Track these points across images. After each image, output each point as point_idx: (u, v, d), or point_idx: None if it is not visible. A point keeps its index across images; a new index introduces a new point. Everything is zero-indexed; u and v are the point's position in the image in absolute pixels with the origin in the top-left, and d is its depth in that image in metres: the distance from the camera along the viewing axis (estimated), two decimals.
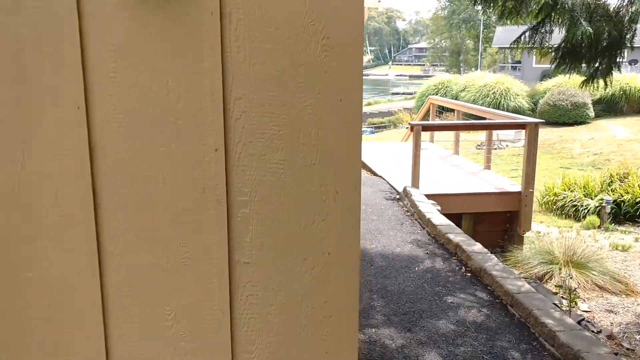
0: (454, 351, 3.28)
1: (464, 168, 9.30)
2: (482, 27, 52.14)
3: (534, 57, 40.24)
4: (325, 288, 2.03)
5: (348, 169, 1.99)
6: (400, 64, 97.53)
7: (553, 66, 5.26)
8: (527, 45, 5.10)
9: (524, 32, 5.20)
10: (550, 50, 5.22)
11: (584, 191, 12.05)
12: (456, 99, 29.84)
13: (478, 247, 4.92)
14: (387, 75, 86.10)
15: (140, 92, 1.65)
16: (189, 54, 1.71)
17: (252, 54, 1.89)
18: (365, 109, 44.42)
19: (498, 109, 27.26)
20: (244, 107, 1.92)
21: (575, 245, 7.44)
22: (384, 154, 10.75)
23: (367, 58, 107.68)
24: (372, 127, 36.24)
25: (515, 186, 8.05)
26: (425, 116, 12.51)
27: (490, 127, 9.20)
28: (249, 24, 1.80)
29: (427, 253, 5.11)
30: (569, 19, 4.77)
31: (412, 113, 35.36)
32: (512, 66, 43.75)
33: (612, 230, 10.46)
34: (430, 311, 3.83)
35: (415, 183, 7.58)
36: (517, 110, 27.57)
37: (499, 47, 44.04)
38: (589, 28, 4.58)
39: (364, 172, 9.33)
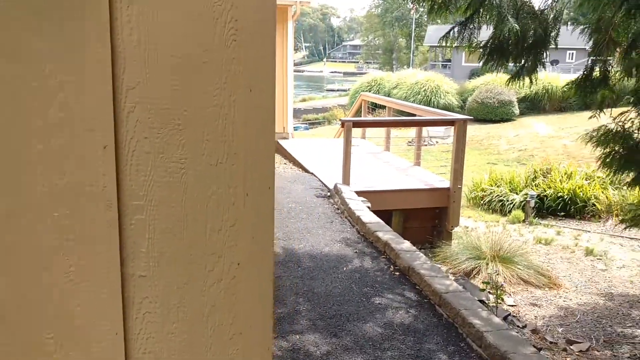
0: (380, 356, 3.17)
1: (394, 164, 9.31)
2: (414, 26, 53.19)
3: (464, 55, 41.44)
4: (234, 302, 1.82)
5: (260, 168, 1.79)
6: (335, 61, 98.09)
7: (481, 63, 5.27)
8: (456, 42, 5.07)
9: (452, 28, 5.17)
10: (478, 47, 5.22)
11: (510, 186, 12.40)
12: (389, 96, 30.22)
13: (406, 244, 4.86)
14: (321, 71, 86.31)
15: (11, 80, 1.39)
16: (71, 36, 1.46)
17: (147, 37, 1.64)
18: (300, 105, 44.27)
19: (428, 105, 27.81)
20: (137, 98, 1.67)
21: (501, 240, 7.57)
22: (317, 151, 10.63)
23: (301, 54, 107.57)
24: (306, 123, 36.17)
25: (444, 182, 8.11)
26: (357, 113, 12.49)
27: (420, 124, 9.25)
28: (144, 2, 1.56)
29: (356, 252, 4.99)
30: (497, 15, 4.77)
31: (346, 109, 35.55)
32: (442, 64, 44.85)
33: (535, 224, 10.79)
34: (358, 314, 3.71)
35: (346, 180, 7.48)
36: (447, 108, 28.24)
37: (430, 46, 45.07)
38: (516, 25, 4.59)
39: (295, 169, 9.17)
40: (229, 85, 1.76)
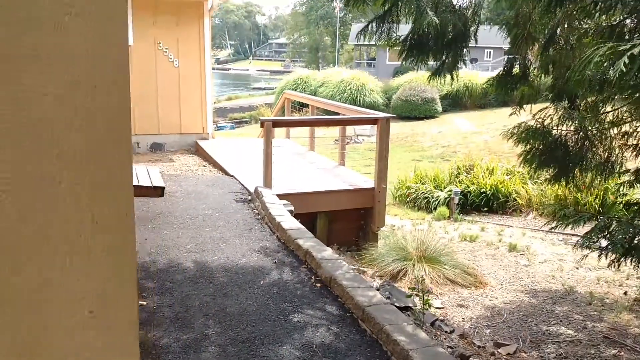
0: None
1: (319, 165, 9.01)
2: (338, 24, 53.44)
3: (387, 53, 41.95)
4: None
5: (114, 189, 1.38)
6: (261, 59, 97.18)
7: (401, 59, 5.02)
8: (374, 37, 4.79)
9: (370, 22, 4.89)
10: (397, 43, 4.97)
11: (434, 183, 12.42)
12: (315, 94, 30.03)
13: (328, 252, 4.53)
14: (247, 70, 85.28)
15: None
16: None
17: None
18: (226, 104, 43.39)
19: (354, 103, 27.84)
20: None
21: (427, 240, 7.42)
22: (239, 151, 10.17)
23: (226, 52, 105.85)
24: (232, 122, 35.43)
25: (369, 182, 7.89)
26: (281, 112, 12.11)
27: (343, 123, 8.99)
28: None
29: (275, 262, 4.62)
30: (416, 9, 4.53)
31: (273, 108, 35.08)
32: (367, 63, 45.25)
33: (460, 221, 10.83)
34: (274, 335, 3.33)
35: (267, 183, 7.10)
36: (372, 106, 28.38)
37: (355, 44, 45.35)
38: (435, 18, 4.36)
39: (215, 172, 8.68)
40: (68, 80, 1.33)
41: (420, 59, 4.99)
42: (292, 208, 6.73)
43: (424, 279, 6.68)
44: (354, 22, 51.13)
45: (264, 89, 55.02)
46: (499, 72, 5.04)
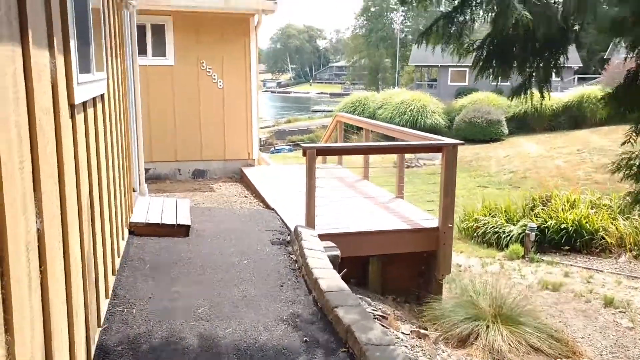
0: None
1: (373, 197, 7.79)
2: (398, 46, 52.18)
3: (449, 74, 40.31)
4: None
5: None
6: (322, 82, 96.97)
7: (475, 71, 3.79)
8: (441, 41, 3.58)
9: (435, 21, 3.69)
10: (470, 49, 3.73)
11: (506, 216, 10.91)
12: (373, 116, 28.86)
13: (377, 333, 3.30)
14: (308, 93, 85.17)
15: None
16: None
17: None
18: (285, 127, 42.85)
19: (415, 126, 26.45)
20: None
21: (503, 293, 6.04)
22: (285, 180, 9.09)
23: (288, 76, 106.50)
24: (290, 145, 34.71)
25: (432, 221, 6.59)
26: (333, 135, 11.00)
27: (401, 151, 7.70)
28: None
29: (305, 341, 3.43)
30: (498, 1, 3.29)
31: (326, 131, 34.14)
32: (428, 84, 43.74)
33: (537, 261, 9.28)
34: None
35: (309, 221, 5.94)
36: (434, 128, 26.88)
37: (416, 65, 43.95)
38: (527, 13, 3.11)
39: (255, 204, 7.61)
40: None
41: (502, 70, 3.74)
42: (337, 252, 5.54)
43: (501, 339, 5.34)
44: (415, 44, 49.90)
45: (323, 111, 54.30)
46: (617, 85, 3.70)
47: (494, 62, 3.74)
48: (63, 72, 2.49)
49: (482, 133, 25.60)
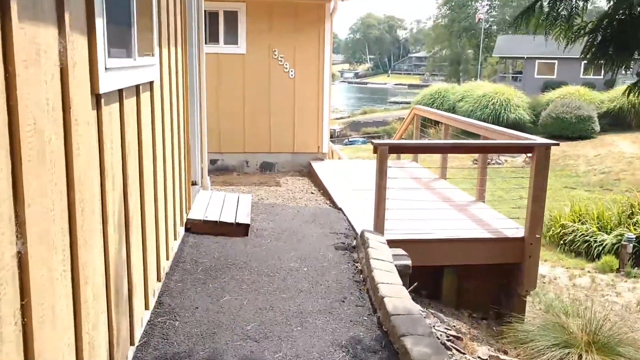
0: None
1: (450, 199, 7.11)
2: (482, 36, 50.00)
3: (536, 66, 38.12)
4: None
5: None
6: (400, 73, 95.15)
7: (586, 57, 3.08)
8: (545, 22, 2.91)
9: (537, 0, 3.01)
10: (581, 33, 3.04)
11: (598, 223, 9.86)
12: (453, 109, 27.66)
13: None
14: (385, 84, 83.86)
15: None
16: None
17: None
18: (360, 118, 42.23)
19: (497, 121, 25.06)
20: None
21: (598, 316, 5.24)
22: (356, 175, 8.56)
23: (366, 66, 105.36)
24: (364, 137, 34.06)
25: (518, 230, 5.85)
26: (409, 129, 10.34)
27: (485, 150, 6.94)
28: None
29: None
30: None
31: (401, 124, 33.16)
32: (512, 76, 41.67)
33: (635, 276, 8.26)
34: None
35: (378, 225, 5.40)
36: (518, 123, 25.39)
37: (500, 57, 41.94)
38: None
39: (322, 202, 7.14)
40: None
41: (621, 59, 3.01)
42: (408, 262, 4.97)
43: None
44: (500, 34, 47.51)
45: (401, 103, 53.16)
46: None
47: (610, 48, 3.02)
48: (83, 55, 2.09)
49: (570, 129, 23.89)
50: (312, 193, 7.65)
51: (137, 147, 3.02)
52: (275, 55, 8.96)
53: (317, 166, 8.87)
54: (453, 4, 56.84)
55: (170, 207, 4.20)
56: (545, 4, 2.98)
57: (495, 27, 55.43)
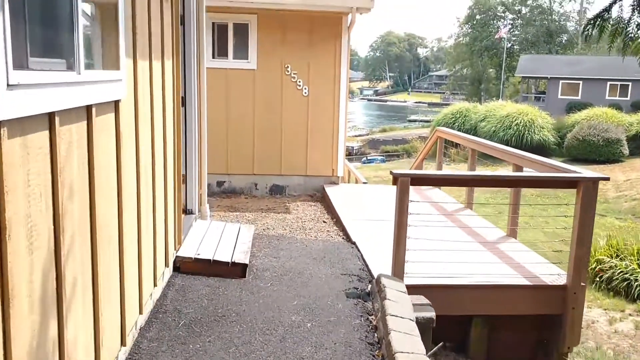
0: None
1: (478, 234, 6.30)
2: (504, 55, 49.01)
3: (560, 86, 37.10)
4: None
5: None
6: (420, 91, 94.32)
7: None
8: (626, 30, 2.16)
9: (613, 3, 2.26)
10: None
11: (639, 260, 8.93)
12: (475, 129, 26.80)
13: None
14: (405, 102, 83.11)
15: None
16: None
17: None
18: (379, 136, 41.53)
19: (521, 142, 24.12)
20: None
21: None
22: (372, 203, 7.80)
23: (385, 84, 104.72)
24: (383, 155, 33.30)
25: (559, 277, 5.02)
26: (431, 152, 9.57)
27: (519, 184, 6.03)
28: None
29: None
30: None
31: (424, 145, 32.32)
32: (535, 96, 40.64)
33: None
34: None
35: (397, 269, 4.62)
36: (542, 145, 24.47)
37: (523, 76, 40.96)
38: None
39: (334, 233, 6.39)
40: None
41: None
42: (431, 314, 4.19)
43: None
44: (523, 53, 46.52)
45: (420, 121, 52.37)
46: None
47: None
48: None
49: (597, 153, 22.88)
50: (324, 222, 6.90)
51: (86, 184, 2.32)
52: (288, 71, 8.29)
53: (331, 191, 8.13)
54: (475, 22, 55.97)
55: (148, 252, 3.48)
56: (619, 6, 2.23)
57: (517, 46, 54.42)
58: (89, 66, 2.30)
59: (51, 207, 1.95)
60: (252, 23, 8.14)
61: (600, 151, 23.10)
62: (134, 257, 3.16)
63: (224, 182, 8.45)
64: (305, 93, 8.36)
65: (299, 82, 8.33)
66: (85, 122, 2.31)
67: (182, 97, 5.20)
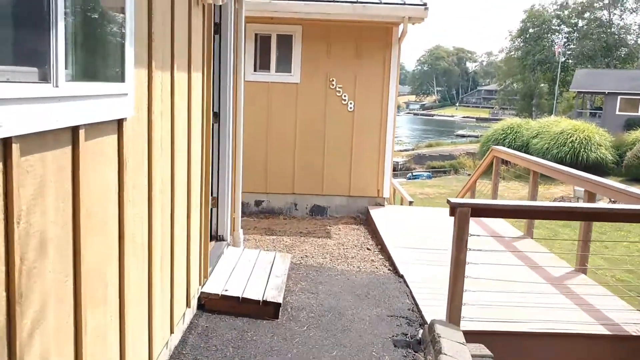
0: None
1: (542, 268, 5.55)
2: (559, 69, 47.15)
3: (618, 102, 35.35)
4: None
5: None
6: (468, 106, 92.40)
7: None
8: None
9: None
10: None
11: None
12: (527, 146, 25.64)
13: None
14: (453, 116, 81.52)
15: None
16: None
17: None
18: (425, 151, 40.49)
19: (576, 161, 22.83)
20: None
21: None
22: (423, 229, 7.15)
23: (433, 98, 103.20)
24: (429, 171, 32.29)
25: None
26: (486, 172, 8.83)
27: (601, 218, 5.11)
28: None
29: None
30: None
31: (476, 159, 31.16)
32: (591, 112, 38.82)
33: None
34: None
35: (453, 314, 3.96)
36: (599, 163, 23.08)
37: (578, 91, 39.24)
38: None
39: (379, 263, 5.77)
40: None
41: None
42: None
43: None
44: (578, 67, 44.67)
45: (468, 136, 50.98)
46: None
47: None
48: None
49: None
50: (368, 249, 6.30)
51: (68, 227, 1.81)
52: (333, 85, 7.77)
53: (375, 214, 7.53)
54: (528, 36, 54.27)
55: (163, 300, 2.97)
56: None
57: (571, 60, 52.39)
58: (77, 77, 1.81)
59: (3, 273, 1.45)
60: (296, 34, 7.67)
61: None
62: (142, 313, 2.65)
63: (262, 201, 7.97)
64: (351, 108, 7.81)
65: (344, 96, 7.79)
66: (70, 147, 1.81)
67: (215, 113, 4.74)
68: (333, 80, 7.76)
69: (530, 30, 54.73)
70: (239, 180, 5.33)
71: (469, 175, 29.08)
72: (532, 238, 6.79)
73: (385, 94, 7.78)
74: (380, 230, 6.73)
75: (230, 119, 4.92)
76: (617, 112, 35.41)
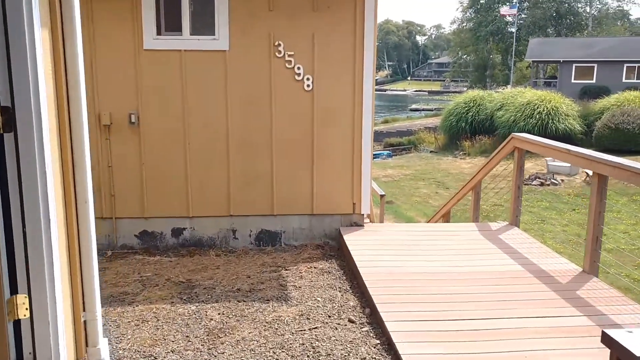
0: None
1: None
2: (514, 39, 45.29)
3: (573, 70, 33.78)
4: None
5: None
6: (420, 80, 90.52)
7: None
8: None
9: None
10: None
11: None
12: (491, 119, 23.55)
13: None
14: (405, 91, 79.46)
15: None
16: None
17: None
18: (382, 127, 37.95)
19: (545, 132, 20.83)
20: None
21: None
22: (430, 260, 4.56)
23: (384, 73, 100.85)
24: (389, 149, 29.83)
25: None
26: (503, 162, 6.30)
27: None
28: None
29: None
30: None
31: (436, 133, 28.88)
32: (545, 81, 37.20)
33: None
34: None
35: None
36: (568, 134, 21.18)
37: (532, 60, 37.48)
38: None
39: (368, 334, 3.14)
40: None
41: None
42: None
43: None
44: (532, 37, 42.87)
45: (423, 110, 48.91)
46: None
47: None
48: None
49: (633, 142, 19.69)
50: (350, 322, 3.63)
51: None
52: (280, 52, 5.00)
53: (351, 240, 4.89)
54: (479, 7, 52.24)
55: None
56: None
57: (523, 30, 50.76)
58: None
59: None
60: None
61: (636, 139, 19.96)
62: None
63: (184, 229, 5.19)
64: (309, 87, 5.07)
65: (298, 68, 5.04)
66: None
67: (3, 109, 1.94)
68: (280, 44, 4.98)
69: (482, 1, 52.71)
70: (91, 239, 2.55)
71: (431, 152, 26.82)
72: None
73: (359, 63, 5.07)
74: (364, 274, 4.10)
75: (45, 120, 2.11)
76: (573, 81, 33.91)
